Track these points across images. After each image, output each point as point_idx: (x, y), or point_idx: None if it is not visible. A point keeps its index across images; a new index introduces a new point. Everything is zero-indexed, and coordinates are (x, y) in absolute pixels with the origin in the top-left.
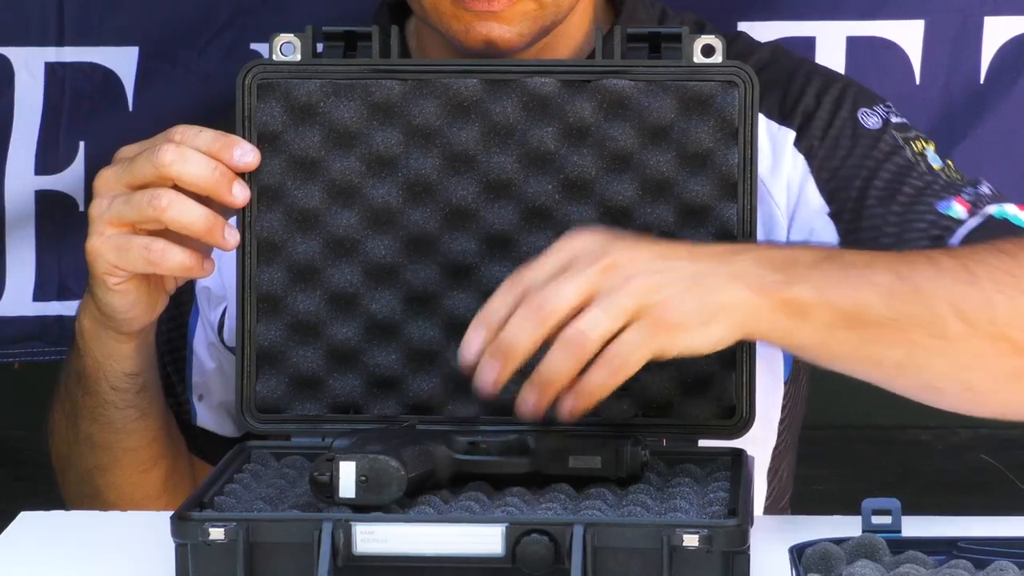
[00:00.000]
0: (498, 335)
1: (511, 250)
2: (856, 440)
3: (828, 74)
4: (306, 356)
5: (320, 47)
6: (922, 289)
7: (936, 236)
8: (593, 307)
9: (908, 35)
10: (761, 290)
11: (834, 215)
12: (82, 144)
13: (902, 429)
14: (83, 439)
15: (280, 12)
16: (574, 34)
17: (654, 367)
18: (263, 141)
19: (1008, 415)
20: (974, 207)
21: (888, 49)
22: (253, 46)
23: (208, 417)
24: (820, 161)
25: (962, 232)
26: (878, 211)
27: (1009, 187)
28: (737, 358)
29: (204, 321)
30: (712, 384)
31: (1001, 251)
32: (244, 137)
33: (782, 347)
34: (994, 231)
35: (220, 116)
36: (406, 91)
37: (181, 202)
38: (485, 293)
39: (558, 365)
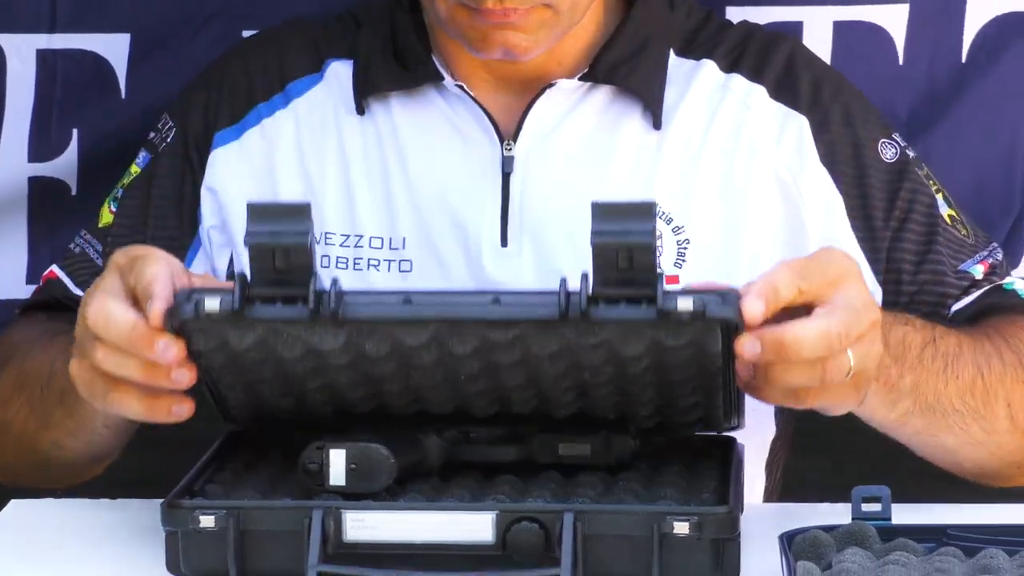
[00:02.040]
0: (785, 349)
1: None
2: (845, 428)
3: (817, 63)
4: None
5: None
6: (991, 388)
7: (951, 293)
8: (856, 352)
9: (893, 18)
10: (879, 376)
11: (863, 242)
12: (75, 131)
13: None
14: (44, 436)
15: None
16: (582, 34)
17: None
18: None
19: (1006, 484)
20: (991, 271)
21: (874, 33)
22: (244, 33)
23: None
24: (846, 188)
25: (976, 294)
26: (907, 256)
27: (991, 165)
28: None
29: (206, 258)
30: (697, 408)
31: None
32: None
33: (863, 418)
34: (999, 299)
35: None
36: (350, 339)
37: (124, 392)
38: None
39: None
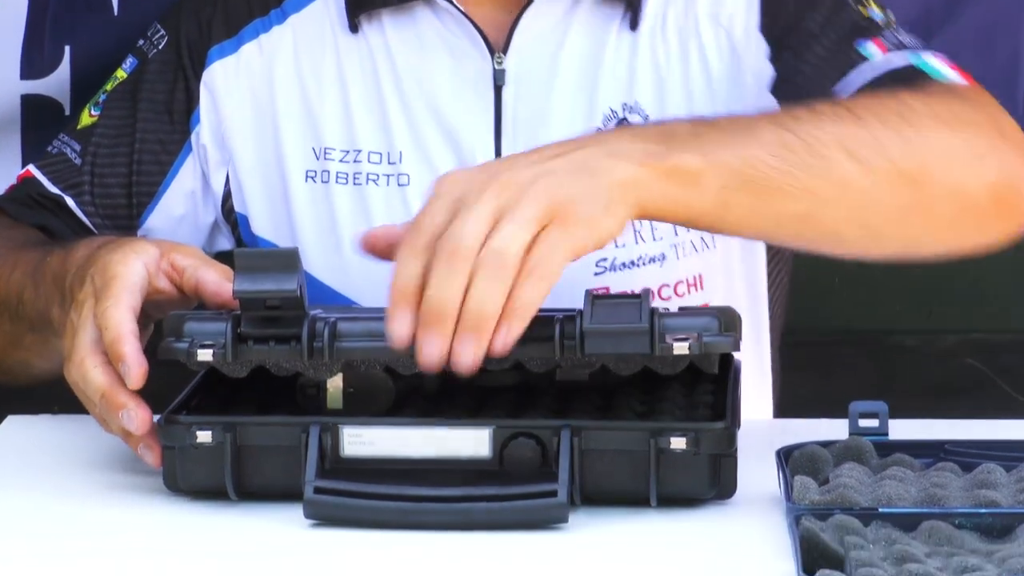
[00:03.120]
0: (423, 301)
1: None
2: (840, 346)
3: None
4: None
5: None
6: (810, 136)
7: (844, 72)
8: (502, 225)
9: None
10: (646, 162)
11: (765, 30)
12: (67, 48)
13: (887, 335)
14: (12, 355)
15: None
16: None
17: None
18: None
19: (908, 251)
20: (890, 51)
21: None
22: None
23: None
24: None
25: (868, 71)
26: (809, 38)
27: (989, 86)
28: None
29: (197, 164)
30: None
31: (890, 96)
32: None
33: (680, 219)
34: (907, 79)
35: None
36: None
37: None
38: None
39: (485, 294)
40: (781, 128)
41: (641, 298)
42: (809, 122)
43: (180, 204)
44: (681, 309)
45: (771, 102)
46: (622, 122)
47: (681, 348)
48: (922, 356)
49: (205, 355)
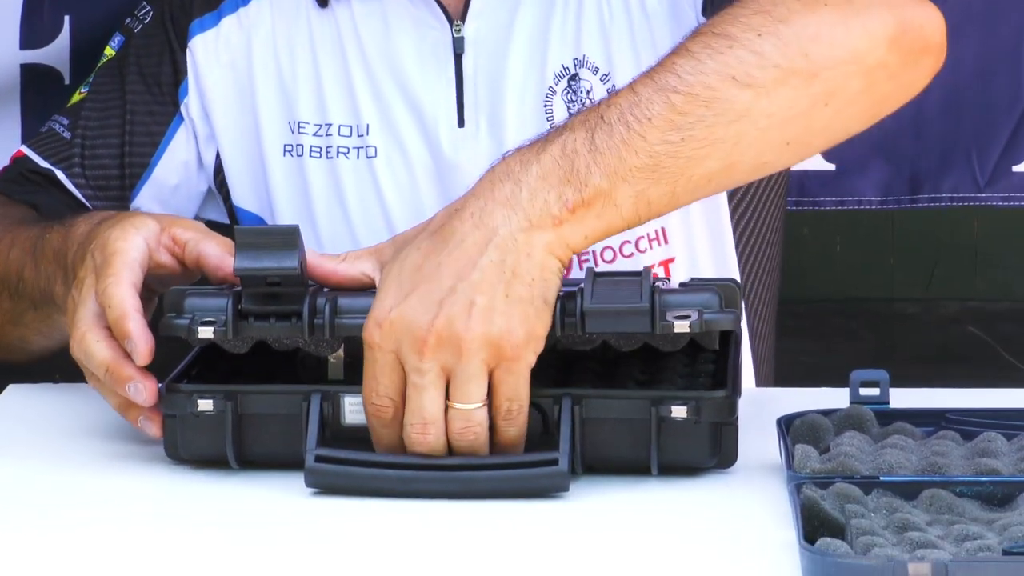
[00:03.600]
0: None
1: None
2: (840, 314)
3: None
4: None
5: None
6: (692, 86)
7: None
8: (455, 393)
9: None
10: (561, 216)
11: None
12: (67, 18)
13: (888, 302)
14: (11, 332)
15: None
16: None
17: None
18: None
19: (836, 141)
20: None
21: None
22: None
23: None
24: None
25: None
26: None
27: (994, 56)
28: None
29: (190, 136)
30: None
31: (745, 0)
32: None
33: (611, 235)
34: None
35: None
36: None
37: (105, 392)
38: None
39: (470, 450)
40: (666, 91)
41: (641, 276)
42: (687, 68)
43: (174, 174)
44: (682, 284)
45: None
46: (574, 78)
47: (682, 326)
48: (922, 324)
49: (206, 332)
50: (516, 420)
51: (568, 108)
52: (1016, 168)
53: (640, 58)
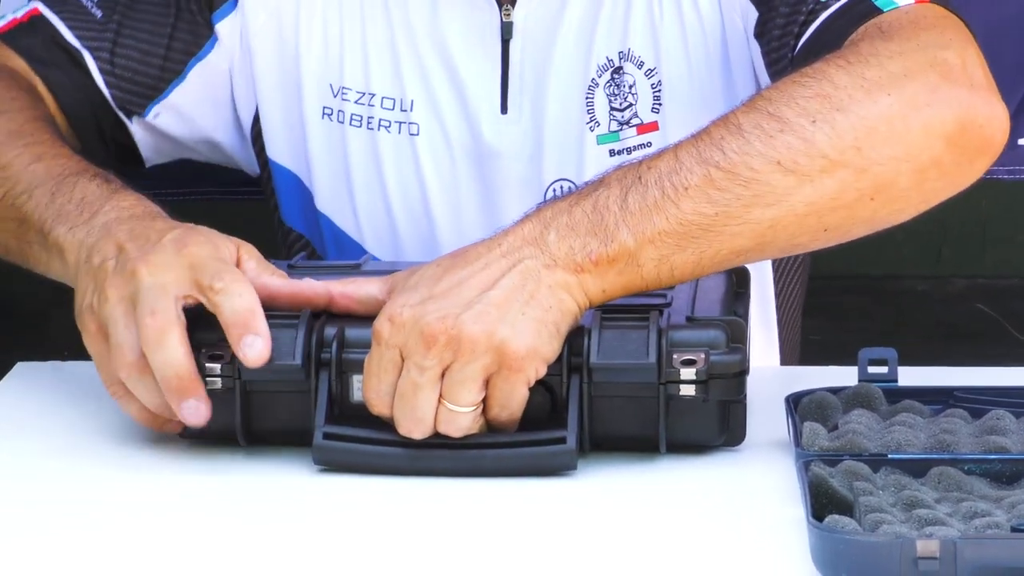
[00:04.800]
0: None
1: None
2: (850, 291)
3: None
4: None
5: None
6: (735, 165)
7: (803, 23)
8: (447, 390)
9: None
10: (583, 265)
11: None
12: None
13: (896, 279)
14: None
15: None
16: None
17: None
18: None
19: (876, 230)
20: None
21: None
22: None
23: (147, 141)
24: None
25: (825, 16)
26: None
27: (1003, 26)
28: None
29: (224, 69)
30: None
31: (806, 77)
32: None
33: (629, 294)
34: (858, 14)
35: None
36: None
37: (129, 400)
38: None
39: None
40: (708, 165)
41: (649, 321)
42: (734, 146)
43: (201, 91)
44: (688, 319)
45: (755, 48)
46: (617, 71)
47: (688, 374)
48: (931, 301)
49: (213, 368)
50: (507, 426)
51: (610, 101)
52: (1021, 141)
53: (690, 56)
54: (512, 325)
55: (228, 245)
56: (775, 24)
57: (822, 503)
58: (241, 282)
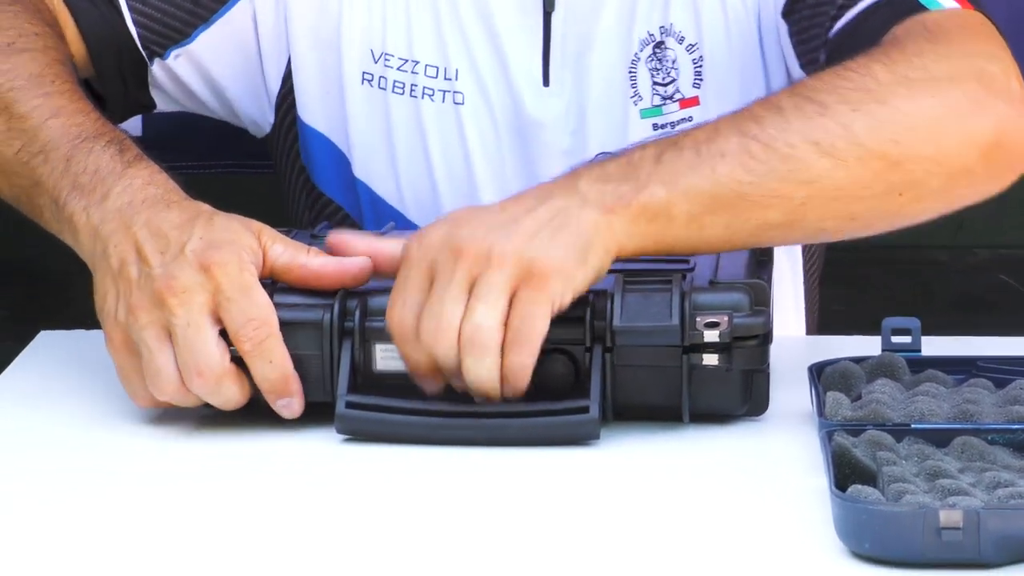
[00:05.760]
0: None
1: None
2: (872, 262)
3: None
4: None
5: None
6: (774, 140)
7: (840, 7)
8: (473, 300)
9: None
10: (614, 207)
11: None
12: None
13: (918, 250)
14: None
15: None
16: None
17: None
18: None
19: (898, 227)
20: None
21: None
22: None
23: (162, 84)
24: None
25: (865, 4)
26: None
27: None
28: None
29: (250, 24)
30: None
31: (848, 70)
32: None
33: (658, 251)
34: (900, 10)
35: None
36: None
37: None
38: None
39: (476, 371)
40: (746, 137)
41: (672, 284)
42: (773, 123)
43: (228, 40)
44: (711, 283)
45: (783, 27)
46: (659, 46)
47: (712, 336)
48: (953, 271)
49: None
50: (523, 349)
51: (652, 76)
52: None
53: (731, 32)
54: (542, 245)
55: (251, 239)
56: (805, 3)
57: (845, 473)
58: (272, 339)
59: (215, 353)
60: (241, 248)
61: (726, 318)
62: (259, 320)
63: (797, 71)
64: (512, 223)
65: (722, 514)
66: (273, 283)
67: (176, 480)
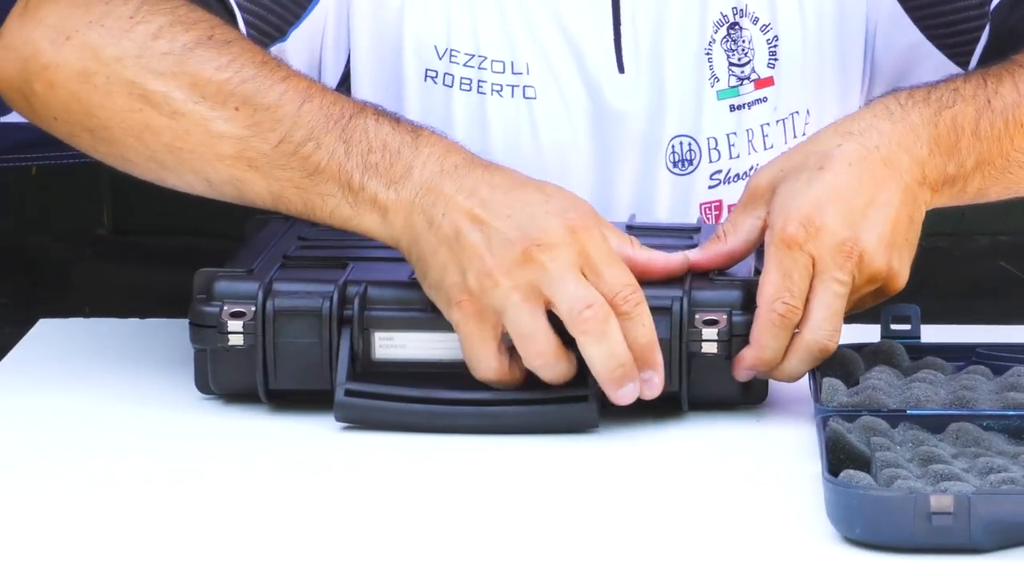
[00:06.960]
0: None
1: None
2: None
3: None
4: None
5: None
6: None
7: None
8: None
9: None
10: (937, 185)
11: None
12: None
13: (920, 236)
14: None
15: None
16: None
17: None
18: None
19: None
20: None
21: None
22: None
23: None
24: None
25: None
26: None
27: None
28: None
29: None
30: None
31: None
32: None
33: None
34: None
35: None
36: None
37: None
38: None
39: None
40: (990, 110)
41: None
42: (1007, 95)
43: (314, 32)
44: (711, 279)
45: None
46: (733, 27)
47: (710, 334)
48: (954, 258)
49: (235, 326)
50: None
51: (728, 57)
52: None
53: (805, 12)
54: (900, 256)
55: (593, 211)
56: None
57: (839, 459)
58: (644, 304)
59: (587, 293)
60: (593, 214)
61: (724, 316)
62: (632, 285)
63: (881, 44)
64: (878, 214)
65: (718, 501)
66: (281, 267)
67: (175, 467)
